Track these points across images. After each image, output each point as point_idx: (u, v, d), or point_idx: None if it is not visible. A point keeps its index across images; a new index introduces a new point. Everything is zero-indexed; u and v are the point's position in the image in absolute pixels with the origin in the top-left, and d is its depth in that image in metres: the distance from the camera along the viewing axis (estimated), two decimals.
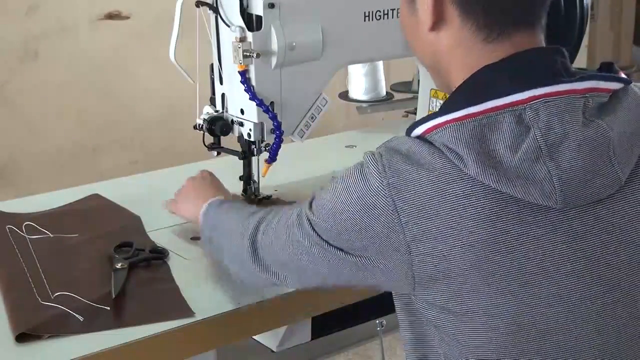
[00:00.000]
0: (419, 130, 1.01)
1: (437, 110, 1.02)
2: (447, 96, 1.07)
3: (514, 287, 0.97)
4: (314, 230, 1.08)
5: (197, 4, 1.50)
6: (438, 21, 1.04)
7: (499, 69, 1.01)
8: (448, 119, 0.99)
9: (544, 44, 1.05)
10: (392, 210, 0.98)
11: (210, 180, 1.55)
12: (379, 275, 1.05)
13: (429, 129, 1.00)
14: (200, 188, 1.52)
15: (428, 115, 1.02)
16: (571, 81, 0.98)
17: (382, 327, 1.61)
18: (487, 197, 0.95)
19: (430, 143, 0.99)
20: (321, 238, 1.07)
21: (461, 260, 0.97)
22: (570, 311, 0.98)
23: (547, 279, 0.97)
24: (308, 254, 1.10)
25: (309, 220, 1.09)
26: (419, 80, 1.94)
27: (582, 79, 0.99)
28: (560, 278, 0.98)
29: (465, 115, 0.98)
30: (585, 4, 1.69)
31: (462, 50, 1.04)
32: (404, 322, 1.13)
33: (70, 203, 1.71)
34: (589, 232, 0.98)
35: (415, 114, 1.98)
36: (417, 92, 1.94)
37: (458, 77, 1.04)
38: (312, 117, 1.59)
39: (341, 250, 1.06)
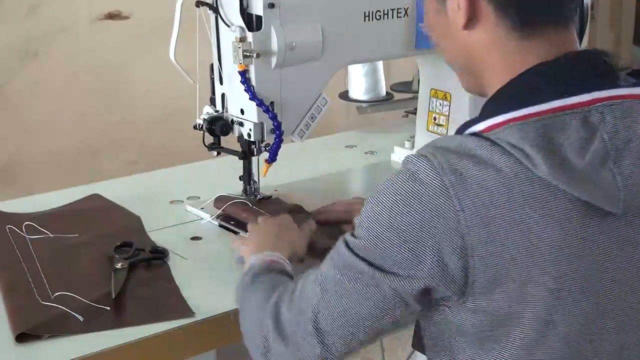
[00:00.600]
0: (476, 128, 0.97)
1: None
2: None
3: (574, 292, 0.95)
4: (357, 255, 0.99)
5: (197, 4, 1.50)
6: (472, 19, 1.02)
7: (555, 69, 0.99)
8: (510, 117, 0.95)
9: (578, 42, 1.03)
10: (454, 210, 0.93)
11: (283, 234, 1.37)
12: (421, 289, 0.97)
13: (489, 127, 0.96)
14: (267, 240, 1.34)
15: (482, 115, 0.99)
16: (630, 85, 0.97)
17: None
18: (556, 199, 0.93)
19: (492, 141, 0.94)
20: (370, 264, 0.98)
21: (525, 263, 0.93)
22: (618, 319, 0.98)
23: (600, 284, 0.96)
24: (353, 291, 1.00)
25: (349, 247, 1.00)
26: (419, 80, 1.94)
27: (637, 84, 0.98)
28: (612, 284, 0.97)
29: (529, 114, 0.95)
30: (585, 4, 1.69)
31: (497, 49, 1.02)
32: (429, 334, 1.07)
33: (70, 203, 1.71)
34: (639, 239, 0.97)
35: (415, 114, 1.98)
36: (417, 92, 1.93)
37: (493, 76, 1.02)
38: (312, 117, 1.59)
39: (386, 272, 0.97)
